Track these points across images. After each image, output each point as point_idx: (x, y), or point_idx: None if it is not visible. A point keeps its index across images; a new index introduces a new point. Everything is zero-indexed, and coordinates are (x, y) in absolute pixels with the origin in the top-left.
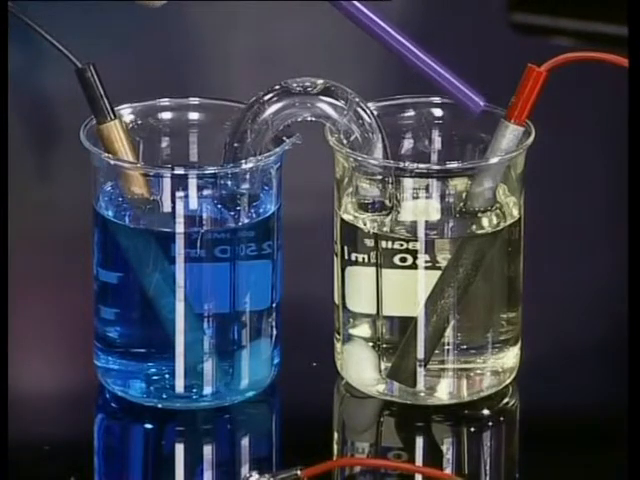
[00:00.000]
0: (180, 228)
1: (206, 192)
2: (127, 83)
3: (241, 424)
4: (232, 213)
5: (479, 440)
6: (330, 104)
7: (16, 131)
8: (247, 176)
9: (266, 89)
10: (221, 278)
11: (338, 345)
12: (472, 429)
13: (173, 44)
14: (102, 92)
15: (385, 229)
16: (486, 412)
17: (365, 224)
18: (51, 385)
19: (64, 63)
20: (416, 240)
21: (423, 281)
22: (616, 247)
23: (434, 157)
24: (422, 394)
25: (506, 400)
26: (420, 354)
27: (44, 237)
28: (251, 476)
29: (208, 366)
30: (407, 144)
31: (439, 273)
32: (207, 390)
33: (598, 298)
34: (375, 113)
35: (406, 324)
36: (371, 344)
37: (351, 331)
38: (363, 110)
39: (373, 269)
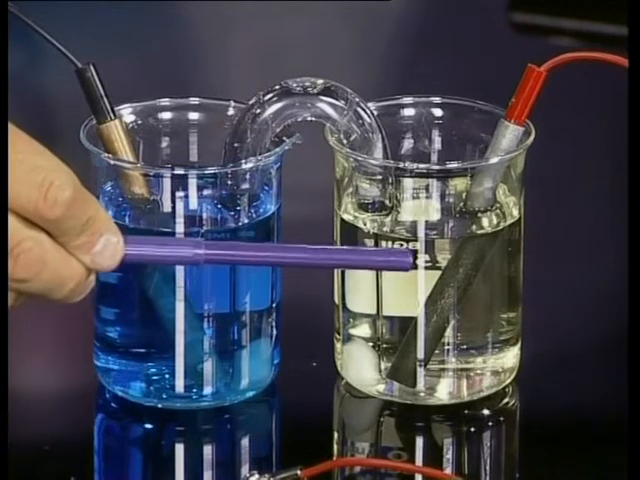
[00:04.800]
0: (180, 228)
1: (206, 192)
2: (127, 83)
3: (241, 424)
4: (232, 213)
5: (479, 440)
6: (330, 104)
7: None
8: (247, 176)
9: (266, 89)
10: (221, 278)
11: (338, 345)
12: (472, 429)
13: (173, 44)
14: (102, 92)
15: (385, 229)
16: (486, 412)
17: (365, 224)
18: (51, 385)
19: (64, 63)
20: (416, 240)
21: (423, 281)
22: (616, 247)
23: (434, 157)
24: (422, 394)
25: (506, 400)
26: (420, 354)
27: None
28: (251, 476)
29: (208, 366)
30: (407, 144)
31: (439, 273)
32: (207, 390)
33: (598, 298)
34: (375, 113)
35: (406, 324)
36: (371, 344)
37: (351, 331)
38: (363, 110)
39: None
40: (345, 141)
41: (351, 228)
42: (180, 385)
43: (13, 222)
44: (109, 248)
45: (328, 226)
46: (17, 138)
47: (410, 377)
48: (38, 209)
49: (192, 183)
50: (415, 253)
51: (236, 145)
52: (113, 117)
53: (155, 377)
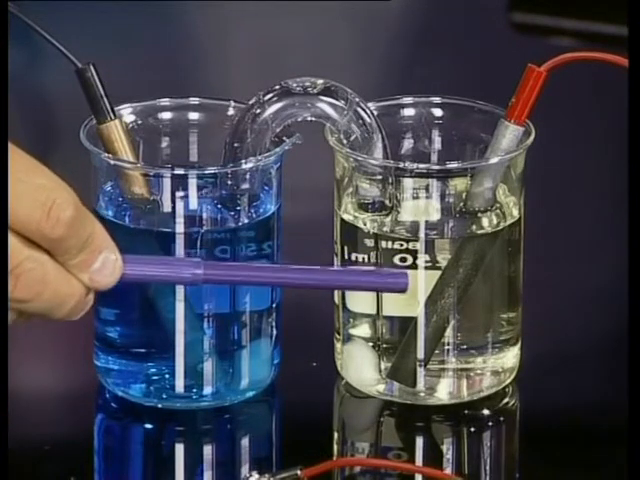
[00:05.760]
0: (180, 228)
1: (206, 192)
2: (127, 83)
3: (241, 424)
4: (232, 213)
5: (479, 440)
6: (330, 104)
7: (16, 131)
8: (247, 176)
9: (266, 89)
10: None
11: (338, 345)
12: (472, 429)
13: (173, 44)
14: (102, 92)
15: (385, 229)
16: (486, 412)
17: (365, 224)
18: (51, 385)
19: (64, 63)
20: (416, 240)
21: (423, 281)
22: (616, 247)
23: (434, 157)
24: (422, 394)
25: (506, 400)
26: (420, 354)
27: None
28: (251, 476)
29: (208, 366)
30: (407, 144)
31: (439, 273)
32: (207, 390)
33: (598, 298)
34: (375, 113)
35: (406, 324)
36: (371, 344)
37: (351, 331)
38: (363, 110)
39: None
40: (345, 141)
41: (351, 228)
42: (180, 385)
43: (14, 241)
44: (108, 266)
45: (328, 226)
46: (17, 157)
47: (410, 377)
48: (40, 228)
49: (192, 183)
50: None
51: (236, 145)
52: (113, 117)
53: (155, 377)
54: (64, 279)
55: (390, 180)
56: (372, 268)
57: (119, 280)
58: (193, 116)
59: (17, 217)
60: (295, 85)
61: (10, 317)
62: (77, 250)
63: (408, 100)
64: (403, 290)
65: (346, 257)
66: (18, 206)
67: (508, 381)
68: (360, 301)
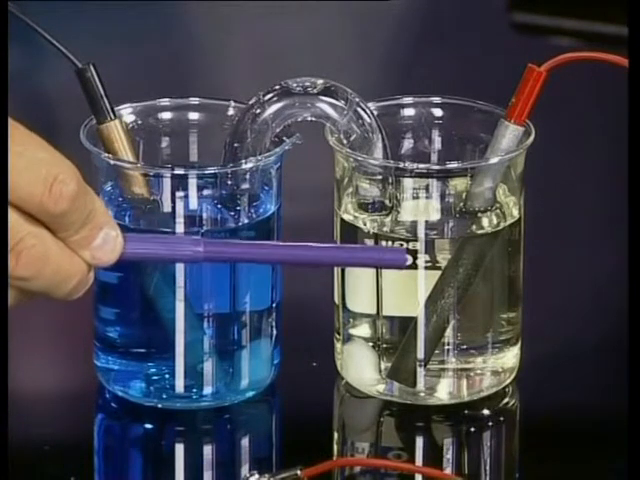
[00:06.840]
0: (180, 228)
1: (206, 192)
2: (127, 83)
3: (241, 424)
4: (232, 213)
5: (479, 440)
6: (330, 104)
7: None
8: (247, 176)
9: (266, 89)
10: (221, 278)
11: (338, 345)
12: (472, 429)
13: (173, 44)
14: (102, 92)
15: (385, 229)
16: (486, 412)
17: (365, 224)
18: (51, 385)
19: (64, 63)
20: (416, 240)
21: (423, 281)
22: (616, 247)
23: (434, 157)
24: (422, 394)
25: (506, 400)
26: (420, 354)
27: None
28: (251, 476)
29: (208, 366)
30: (407, 144)
31: (439, 273)
32: (207, 390)
33: (598, 298)
34: (375, 113)
35: (406, 324)
36: (371, 344)
37: (351, 331)
38: (363, 110)
39: (373, 269)
40: (345, 141)
41: (351, 228)
42: (180, 385)
43: (14, 217)
44: (109, 242)
45: (328, 226)
46: (16, 131)
47: (410, 377)
48: (42, 203)
49: (192, 183)
50: (413, 253)
51: (236, 145)
52: (113, 117)
53: (155, 377)
54: (66, 256)
55: (390, 180)
56: (372, 245)
57: (119, 258)
58: (193, 116)
59: (18, 192)
60: (295, 85)
61: (12, 297)
62: (78, 226)
63: (408, 100)
64: (402, 266)
65: None
66: (19, 181)
67: (508, 381)
68: (360, 301)
